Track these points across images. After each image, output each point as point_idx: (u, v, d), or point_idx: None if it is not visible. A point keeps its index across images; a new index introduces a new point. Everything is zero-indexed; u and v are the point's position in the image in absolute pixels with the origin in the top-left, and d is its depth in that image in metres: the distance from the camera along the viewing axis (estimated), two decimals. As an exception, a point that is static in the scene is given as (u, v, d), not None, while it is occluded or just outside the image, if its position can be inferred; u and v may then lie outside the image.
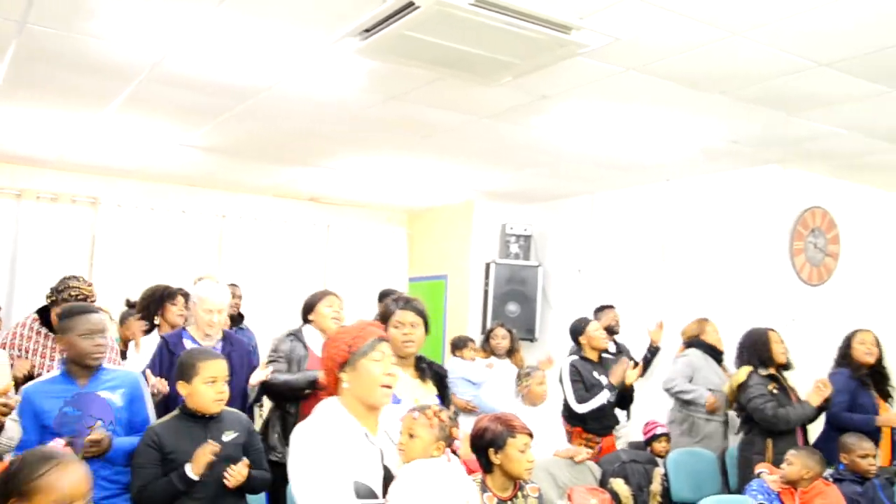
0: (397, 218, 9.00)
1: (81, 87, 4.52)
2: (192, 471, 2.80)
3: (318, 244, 8.34)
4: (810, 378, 4.84)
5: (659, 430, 4.92)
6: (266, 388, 3.88)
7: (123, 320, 5.35)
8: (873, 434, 4.41)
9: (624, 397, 4.85)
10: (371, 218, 8.76)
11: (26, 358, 3.82)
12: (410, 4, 3.10)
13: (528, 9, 3.16)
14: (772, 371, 4.53)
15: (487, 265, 7.72)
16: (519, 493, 3.01)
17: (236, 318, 5.96)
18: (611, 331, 5.77)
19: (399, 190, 7.62)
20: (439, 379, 3.20)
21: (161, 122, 5.30)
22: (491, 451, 2.98)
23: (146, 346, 4.31)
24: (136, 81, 4.37)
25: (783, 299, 5.89)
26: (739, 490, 4.21)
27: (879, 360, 4.86)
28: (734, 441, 4.90)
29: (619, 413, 5.50)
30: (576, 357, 4.96)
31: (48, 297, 3.90)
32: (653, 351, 6.04)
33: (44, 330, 3.90)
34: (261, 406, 5.10)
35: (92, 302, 3.96)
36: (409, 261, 8.92)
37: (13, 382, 3.19)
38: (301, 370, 3.87)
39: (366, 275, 8.38)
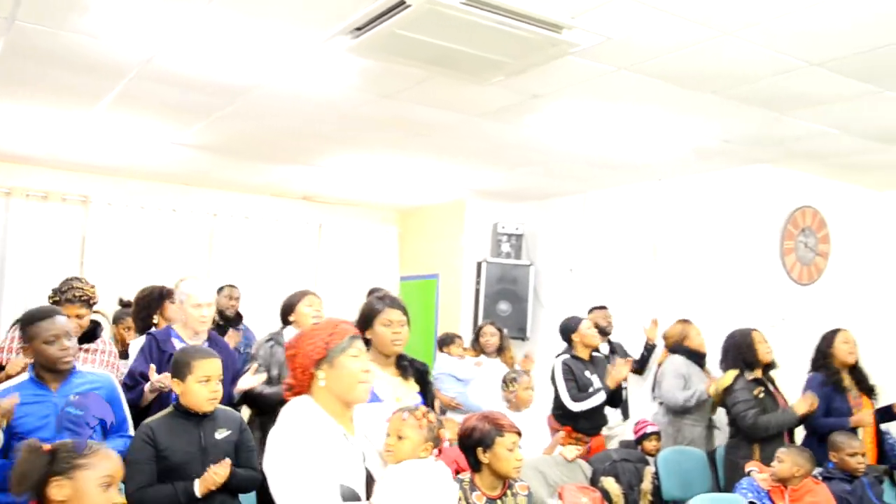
0: (389, 217, 9.00)
1: (71, 85, 4.49)
2: (199, 490, 2.83)
3: (310, 243, 8.33)
4: (800, 377, 4.87)
5: (649, 429, 4.93)
6: (243, 394, 3.87)
7: (117, 320, 5.33)
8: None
9: (614, 396, 4.84)
10: (363, 217, 8.75)
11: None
12: (402, 3, 3.10)
13: (520, 8, 3.16)
14: (758, 374, 4.52)
15: (479, 264, 7.72)
16: (508, 492, 3.01)
17: (235, 319, 5.94)
18: (602, 331, 5.78)
19: (391, 189, 7.61)
20: (420, 375, 3.17)
21: (152, 121, 5.27)
22: (479, 450, 2.98)
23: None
24: (126, 79, 4.35)
25: (773, 298, 5.91)
26: (728, 490, 4.22)
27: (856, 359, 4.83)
28: (719, 441, 4.92)
29: (615, 412, 5.52)
30: (567, 356, 4.95)
31: (51, 298, 3.85)
32: (649, 349, 6.11)
33: None
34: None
35: (93, 304, 3.94)
36: (401, 260, 8.91)
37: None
38: (284, 374, 3.85)
39: (357, 274, 8.37)
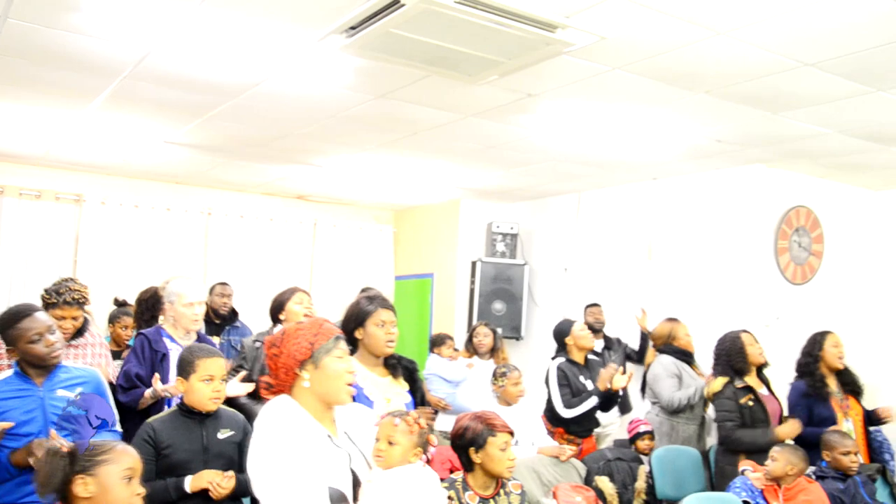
0: (384, 216, 8.99)
1: (65, 84, 4.48)
2: (189, 486, 2.82)
3: (305, 243, 8.32)
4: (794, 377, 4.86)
5: (642, 428, 4.93)
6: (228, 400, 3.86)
7: (113, 319, 5.31)
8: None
9: (609, 399, 4.82)
10: (358, 216, 8.75)
11: None
12: (396, 2, 3.10)
13: (514, 7, 3.16)
14: (750, 378, 4.50)
15: (474, 263, 7.73)
16: (501, 491, 3.01)
17: (229, 316, 5.92)
18: (592, 328, 5.79)
19: (385, 188, 7.61)
20: (409, 373, 3.15)
21: (146, 119, 5.26)
22: (471, 450, 2.98)
23: None
24: (119, 78, 4.33)
25: (767, 298, 5.92)
26: (721, 490, 4.22)
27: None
28: (713, 439, 4.92)
29: (612, 412, 5.53)
30: (562, 360, 4.91)
31: (45, 298, 3.80)
32: (644, 337, 6.21)
33: None
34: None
35: (86, 304, 3.93)
36: (396, 259, 8.92)
37: None
38: None
39: (352, 273, 8.36)
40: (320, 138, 5.63)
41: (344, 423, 2.34)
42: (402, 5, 3.10)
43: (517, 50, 3.57)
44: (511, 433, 3.03)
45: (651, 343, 5.64)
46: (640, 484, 4.57)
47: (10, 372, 3.00)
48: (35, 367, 2.95)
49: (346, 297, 7.42)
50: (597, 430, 5.13)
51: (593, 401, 4.71)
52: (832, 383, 4.67)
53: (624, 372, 4.74)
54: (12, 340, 2.93)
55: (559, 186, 7.24)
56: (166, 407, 3.52)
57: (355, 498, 2.23)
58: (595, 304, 6.51)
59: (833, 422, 4.52)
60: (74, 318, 3.78)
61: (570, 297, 7.18)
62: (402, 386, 3.07)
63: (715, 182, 6.18)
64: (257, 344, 4.01)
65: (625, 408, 6.01)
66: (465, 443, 2.99)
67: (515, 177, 6.83)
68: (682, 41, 3.56)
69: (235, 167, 6.79)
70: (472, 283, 7.69)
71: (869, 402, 4.87)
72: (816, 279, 6.30)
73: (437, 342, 6.06)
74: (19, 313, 2.98)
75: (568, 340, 4.92)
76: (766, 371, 4.68)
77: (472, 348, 5.92)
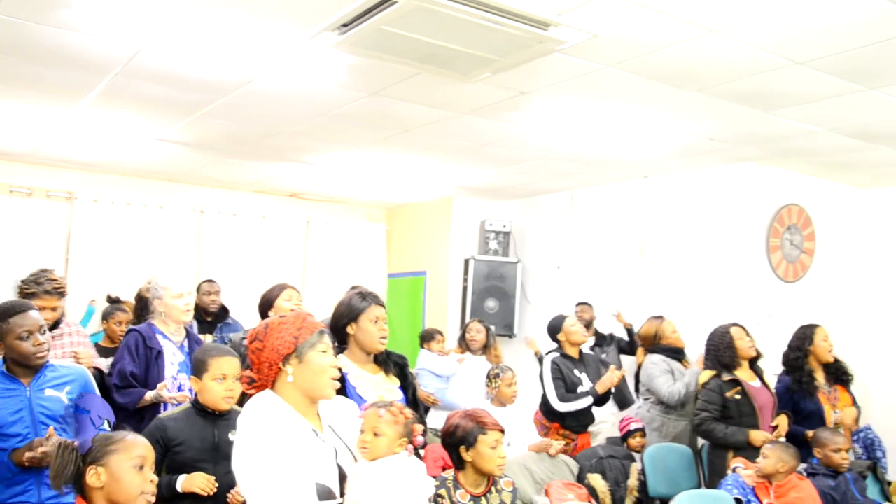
0: (377, 214, 8.99)
1: (55, 80, 4.46)
2: (181, 486, 2.81)
3: (298, 240, 8.31)
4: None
5: (634, 426, 4.93)
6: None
7: (107, 315, 5.30)
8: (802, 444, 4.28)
9: (603, 396, 4.84)
10: (351, 214, 8.74)
11: None
12: (388, -1, 3.09)
13: (507, 5, 3.16)
14: (739, 374, 4.51)
15: (466, 261, 7.73)
16: (493, 489, 3.01)
17: (220, 314, 5.91)
18: (585, 324, 5.82)
19: (379, 186, 7.60)
20: (400, 369, 3.14)
21: (137, 117, 5.24)
22: (462, 448, 2.98)
23: None
24: (111, 75, 4.32)
25: (759, 295, 5.94)
26: (713, 487, 4.24)
27: None
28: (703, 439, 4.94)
29: (606, 407, 5.54)
30: (557, 354, 4.94)
31: (23, 289, 3.80)
32: (629, 330, 6.30)
33: None
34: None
35: (65, 295, 3.92)
36: (389, 256, 8.91)
37: None
38: None
39: (345, 271, 8.35)
40: (313, 136, 5.62)
41: (328, 417, 2.32)
42: (395, 2, 3.10)
43: (509, 47, 3.57)
44: (502, 431, 3.03)
45: (641, 346, 5.66)
46: (633, 481, 4.57)
47: None
48: (21, 365, 2.92)
49: (338, 295, 7.44)
50: (591, 427, 5.14)
51: (588, 400, 4.75)
52: (820, 377, 4.69)
53: (619, 367, 4.77)
54: (1, 335, 2.90)
55: (552, 184, 7.24)
56: (162, 409, 3.52)
57: (342, 492, 2.22)
58: (584, 303, 6.53)
59: (820, 415, 4.54)
60: (53, 309, 3.78)
61: (562, 295, 7.18)
62: (394, 382, 3.06)
63: (707, 180, 6.20)
64: (245, 340, 4.00)
65: (624, 403, 6.01)
66: (456, 441, 2.99)
67: (508, 174, 6.83)
68: (673, 39, 3.56)
69: (228, 165, 6.78)
70: (465, 280, 7.69)
71: (860, 398, 4.91)
72: (808, 277, 6.32)
73: (426, 337, 6.07)
74: (13, 308, 2.97)
75: (560, 336, 4.96)
76: (758, 365, 4.69)
77: (464, 344, 5.93)
